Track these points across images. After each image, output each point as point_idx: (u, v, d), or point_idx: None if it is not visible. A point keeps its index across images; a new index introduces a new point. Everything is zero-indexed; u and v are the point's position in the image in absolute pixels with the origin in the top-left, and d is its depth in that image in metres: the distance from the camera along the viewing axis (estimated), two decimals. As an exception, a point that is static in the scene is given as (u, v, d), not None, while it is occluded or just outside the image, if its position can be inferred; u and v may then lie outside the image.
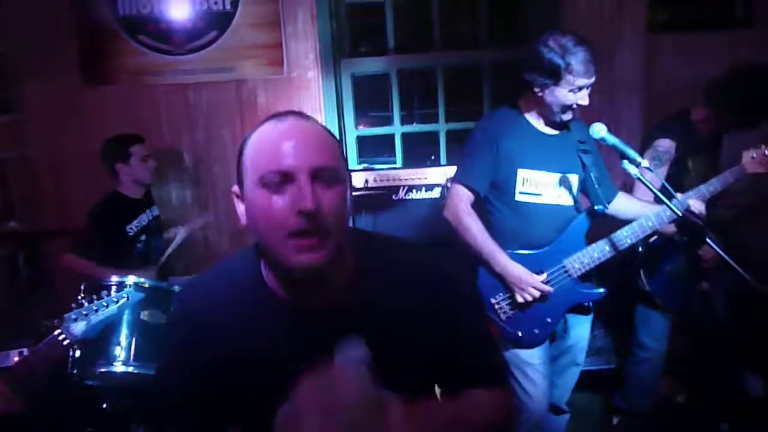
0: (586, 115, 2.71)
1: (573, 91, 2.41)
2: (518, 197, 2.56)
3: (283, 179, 1.15)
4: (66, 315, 1.85)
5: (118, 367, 2.54)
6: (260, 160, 1.18)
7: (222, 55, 3.87)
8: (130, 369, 2.55)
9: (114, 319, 1.91)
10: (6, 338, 2.80)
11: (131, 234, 3.36)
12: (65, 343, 1.81)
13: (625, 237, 2.53)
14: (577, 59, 2.36)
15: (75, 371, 2.57)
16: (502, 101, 2.69)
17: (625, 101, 3.90)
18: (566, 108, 2.46)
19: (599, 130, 2.40)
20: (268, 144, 1.18)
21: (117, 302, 1.91)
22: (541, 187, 2.56)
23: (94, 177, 3.35)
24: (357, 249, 1.29)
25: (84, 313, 1.86)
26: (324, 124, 3.70)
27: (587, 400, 3.39)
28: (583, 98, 2.43)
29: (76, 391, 2.71)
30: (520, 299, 2.50)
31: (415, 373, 1.27)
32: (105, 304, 1.90)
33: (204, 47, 3.86)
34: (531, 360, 2.60)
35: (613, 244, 2.54)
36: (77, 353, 2.56)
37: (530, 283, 2.49)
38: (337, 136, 3.83)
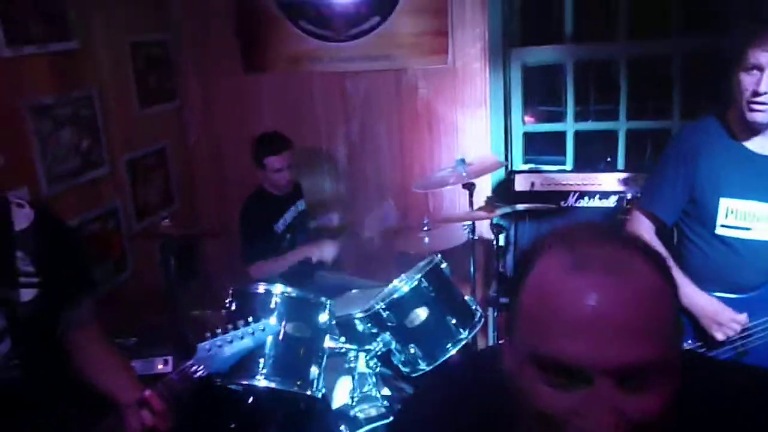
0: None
1: (747, 71, 1.91)
2: (719, 230, 2.11)
3: (568, 375, 0.73)
4: (199, 345, 1.72)
5: (260, 381, 2.40)
6: (536, 326, 0.76)
7: (382, 43, 3.64)
8: (272, 384, 2.41)
9: (250, 350, 1.76)
10: (159, 335, 2.81)
11: (279, 232, 3.32)
12: (197, 375, 1.68)
13: None
14: (753, 31, 1.89)
15: (218, 380, 2.48)
16: (696, 99, 2.23)
17: None
18: (746, 98, 1.93)
19: None
20: (552, 304, 0.75)
21: (253, 334, 1.76)
22: (750, 219, 2.08)
23: (251, 165, 3.30)
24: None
25: (218, 344, 1.73)
26: (490, 119, 3.48)
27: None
28: (763, 83, 1.89)
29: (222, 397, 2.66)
30: (719, 336, 2.07)
31: None
32: (240, 335, 1.75)
33: (364, 34, 3.65)
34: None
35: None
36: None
37: (730, 317, 2.05)
38: (507, 138, 3.62)
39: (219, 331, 1.80)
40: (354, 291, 3.23)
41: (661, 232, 2.23)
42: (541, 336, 0.75)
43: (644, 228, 2.21)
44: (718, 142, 2.11)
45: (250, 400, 2.82)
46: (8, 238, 1.53)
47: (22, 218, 1.56)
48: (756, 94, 1.91)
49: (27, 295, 1.54)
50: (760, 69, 1.89)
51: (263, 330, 1.80)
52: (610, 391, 0.71)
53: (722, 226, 2.11)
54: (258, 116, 3.84)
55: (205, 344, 1.75)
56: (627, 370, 0.71)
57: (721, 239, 2.12)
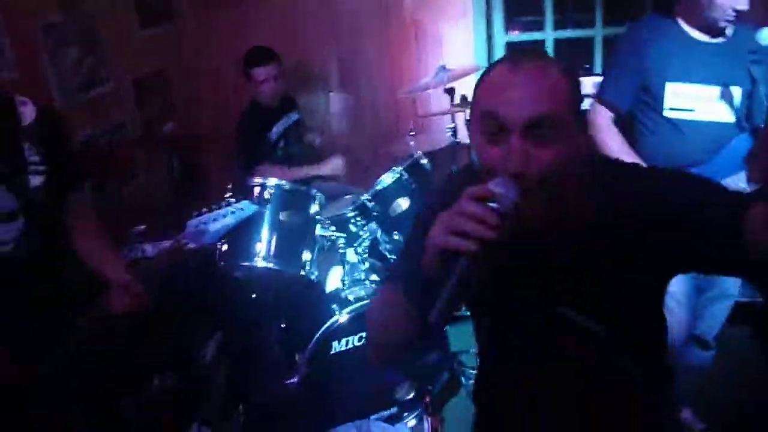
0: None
1: None
2: (666, 113, 2.32)
3: (496, 128, 1.10)
4: (188, 222, 1.96)
5: (259, 262, 2.68)
6: (481, 100, 1.15)
7: (369, -41, 3.79)
8: (270, 265, 2.69)
9: (233, 228, 2.01)
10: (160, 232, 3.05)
11: (272, 140, 3.46)
12: (187, 248, 1.92)
13: None
14: None
15: (222, 263, 2.75)
16: (666, 4, 2.41)
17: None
18: (722, 11, 2.15)
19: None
20: (489, 84, 1.15)
21: (234, 213, 2.00)
22: (693, 101, 2.29)
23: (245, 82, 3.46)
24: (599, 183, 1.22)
25: (204, 221, 1.96)
26: (473, 29, 3.62)
27: (739, 336, 3.05)
28: (741, 1, 2.11)
29: (226, 281, 2.90)
30: None
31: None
32: (223, 214, 1.99)
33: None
34: (669, 287, 2.41)
35: (779, 167, 2.23)
36: (224, 247, 2.74)
37: None
38: (486, 43, 3.78)
39: (205, 210, 2.04)
40: (347, 196, 3.45)
41: (620, 121, 2.43)
42: (482, 102, 1.14)
43: (602, 117, 2.40)
44: (665, 32, 2.31)
45: (253, 295, 3.09)
46: (16, 131, 1.74)
47: (28, 114, 1.76)
48: (735, 10, 2.12)
49: (35, 181, 1.76)
50: None
51: (242, 209, 2.04)
52: (522, 140, 1.08)
53: (669, 108, 2.31)
54: (252, 37, 3.98)
55: (193, 221, 1.99)
56: (531, 122, 1.07)
57: (669, 120, 2.32)
